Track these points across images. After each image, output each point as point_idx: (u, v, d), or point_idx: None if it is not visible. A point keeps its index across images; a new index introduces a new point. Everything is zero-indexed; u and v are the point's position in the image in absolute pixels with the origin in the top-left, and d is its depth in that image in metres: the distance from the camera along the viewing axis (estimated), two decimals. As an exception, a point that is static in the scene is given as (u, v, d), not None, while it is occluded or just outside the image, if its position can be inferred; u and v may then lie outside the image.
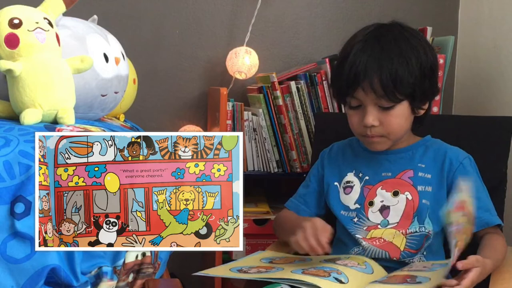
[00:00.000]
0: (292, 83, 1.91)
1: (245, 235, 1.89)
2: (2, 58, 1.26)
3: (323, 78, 1.92)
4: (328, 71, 1.91)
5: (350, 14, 2.14)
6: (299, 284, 1.13)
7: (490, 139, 1.50)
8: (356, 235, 1.37)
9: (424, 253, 1.35)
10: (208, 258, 1.98)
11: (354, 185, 1.42)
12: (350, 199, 1.41)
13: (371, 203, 1.39)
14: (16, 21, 1.26)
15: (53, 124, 1.29)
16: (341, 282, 1.14)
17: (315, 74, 1.93)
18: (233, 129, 1.91)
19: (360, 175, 1.42)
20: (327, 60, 1.93)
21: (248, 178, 2.04)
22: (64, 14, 1.38)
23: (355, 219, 1.39)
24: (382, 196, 1.38)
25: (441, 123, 1.59)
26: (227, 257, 1.91)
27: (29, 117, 1.25)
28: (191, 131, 2.02)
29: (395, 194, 1.38)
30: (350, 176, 1.44)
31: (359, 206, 1.40)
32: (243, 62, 1.95)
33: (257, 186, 2.16)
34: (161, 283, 1.26)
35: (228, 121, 1.90)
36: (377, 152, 1.41)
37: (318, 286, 1.11)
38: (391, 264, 1.32)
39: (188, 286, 1.69)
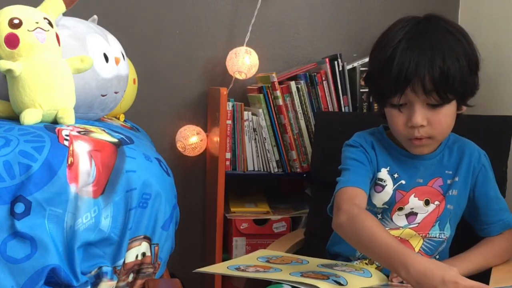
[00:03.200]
0: (292, 83, 1.91)
1: (245, 235, 1.90)
2: (2, 58, 1.26)
3: (323, 78, 1.92)
4: (328, 71, 1.91)
5: (350, 14, 2.14)
6: (298, 285, 1.13)
7: (490, 138, 1.50)
8: None
9: (437, 256, 1.33)
10: (209, 258, 1.98)
11: (386, 185, 1.33)
12: (379, 199, 1.33)
13: (401, 209, 1.33)
14: (16, 21, 1.25)
15: (53, 124, 1.29)
16: (340, 284, 1.14)
17: (315, 74, 1.92)
18: (233, 129, 1.91)
19: (395, 176, 1.34)
20: (327, 60, 1.93)
21: (248, 178, 2.07)
22: (64, 14, 1.38)
23: (379, 216, 1.33)
24: (413, 203, 1.33)
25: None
26: (227, 257, 1.91)
27: (29, 117, 1.25)
28: (191, 131, 2.02)
29: (427, 203, 1.33)
30: (384, 173, 1.34)
31: (387, 207, 1.33)
32: (243, 62, 1.95)
33: (257, 186, 2.16)
34: (161, 283, 1.26)
35: (228, 121, 1.90)
36: (413, 155, 1.33)
37: (317, 286, 1.11)
38: None
39: (188, 286, 1.69)
